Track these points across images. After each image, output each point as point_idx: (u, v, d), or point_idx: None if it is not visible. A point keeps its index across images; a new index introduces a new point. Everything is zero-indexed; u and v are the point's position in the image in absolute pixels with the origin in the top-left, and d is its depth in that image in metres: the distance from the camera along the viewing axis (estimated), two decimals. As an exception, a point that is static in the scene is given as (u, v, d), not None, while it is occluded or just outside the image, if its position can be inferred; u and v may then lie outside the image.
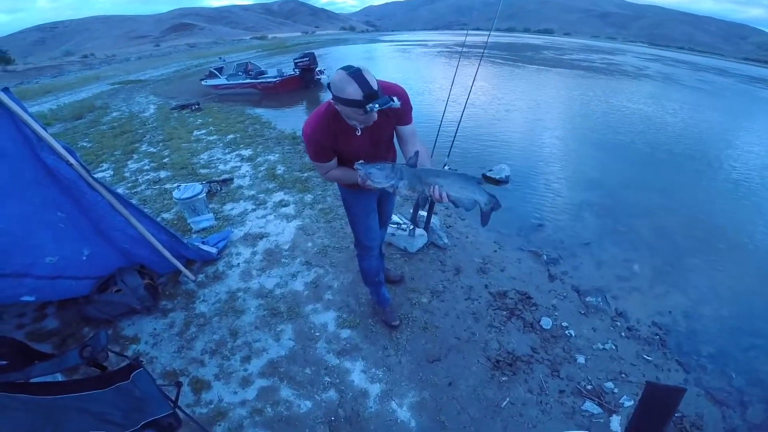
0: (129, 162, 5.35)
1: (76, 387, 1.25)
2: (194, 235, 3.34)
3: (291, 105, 9.91)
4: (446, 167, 2.80)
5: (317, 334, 2.37)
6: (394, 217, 3.11)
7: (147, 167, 5.08)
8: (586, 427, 1.93)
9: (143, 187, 4.44)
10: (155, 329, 2.42)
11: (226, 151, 5.54)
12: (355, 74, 1.25)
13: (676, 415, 2.06)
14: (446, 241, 3.18)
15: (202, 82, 11.96)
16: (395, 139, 1.73)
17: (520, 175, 5.14)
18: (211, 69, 12.26)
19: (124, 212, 2.18)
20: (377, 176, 1.34)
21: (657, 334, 2.62)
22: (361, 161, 1.40)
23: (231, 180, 4.39)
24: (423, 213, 3.08)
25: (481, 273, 2.95)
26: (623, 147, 7.00)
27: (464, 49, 3.72)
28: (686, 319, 2.85)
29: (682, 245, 3.85)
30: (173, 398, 1.50)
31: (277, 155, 5.19)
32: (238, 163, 4.98)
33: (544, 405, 2.01)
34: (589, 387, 2.14)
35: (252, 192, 4.09)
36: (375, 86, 1.26)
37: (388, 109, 1.44)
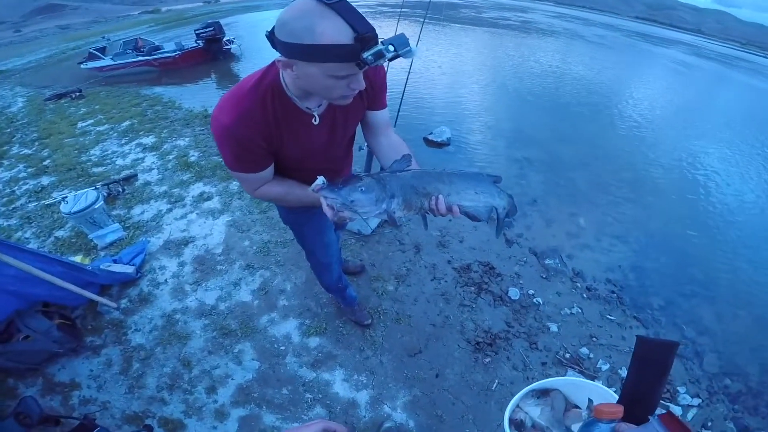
0: None
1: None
2: (102, 254, 2.75)
3: (197, 80, 8.64)
4: None
5: (282, 348, 2.12)
6: None
7: (23, 174, 4.06)
8: None
9: (23, 200, 3.55)
10: (92, 371, 2.02)
11: (123, 141, 4.65)
12: (337, 4, 0.71)
13: None
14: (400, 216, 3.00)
15: (82, 66, 10.03)
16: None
17: (460, 136, 5.13)
18: (91, 50, 10.21)
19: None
20: (363, 203, 0.83)
21: (614, 292, 2.81)
22: (321, 177, 0.88)
23: (134, 176, 3.69)
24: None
25: (441, 247, 2.87)
26: (549, 103, 7.40)
27: (402, 11, 3.48)
28: (635, 273, 3.09)
29: (615, 194, 4.18)
30: None
31: (187, 139, 4.48)
32: (141, 155, 4.20)
33: (531, 380, 2.03)
34: (567, 356, 2.21)
35: (163, 188, 3.48)
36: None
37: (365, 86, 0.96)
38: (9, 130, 5.78)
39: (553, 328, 2.36)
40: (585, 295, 2.68)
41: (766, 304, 3.04)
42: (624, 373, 2.16)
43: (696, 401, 2.12)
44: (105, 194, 3.25)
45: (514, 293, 2.54)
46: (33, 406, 1.17)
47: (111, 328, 2.23)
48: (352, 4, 0.73)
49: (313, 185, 0.87)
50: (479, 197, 0.97)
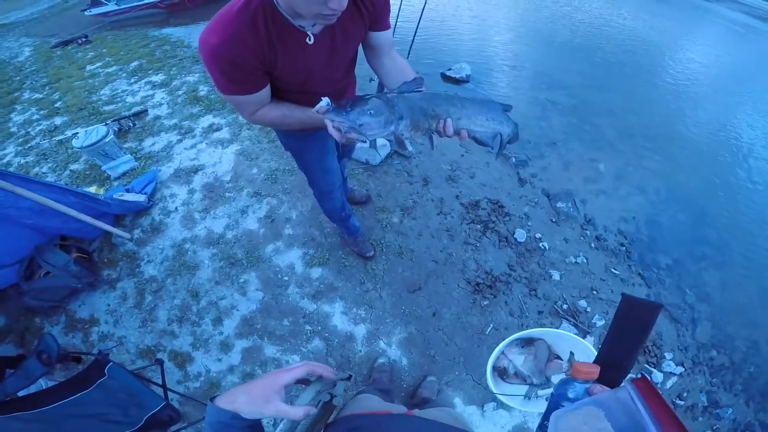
0: (12, 115, 4.36)
1: (62, 392, 1.21)
2: (115, 183, 2.85)
3: (206, 18, 8.33)
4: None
5: (285, 278, 2.20)
6: None
7: (36, 116, 4.15)
8: None
9: (38, 139, 3.67)
10: (109, 305, 2.17)
11: (132, 80, 4.62)
12: None
13: None
14: (411, 148, 2.96)
15: (86, 13, 9.77)
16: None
17: (481, 73, 4.85)
18: None
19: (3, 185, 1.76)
20: (372, 126, 0.82)
21: (623, 244, 2.75)
22: (325, 99, 0.88)
23: (144, 112, 3.72)
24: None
25: (450, 182, 2.83)
26: (583, 49, 6.82)
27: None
28: (648, 227, 3.00)
29: (642, 145, 3.95)
30: (159, 382, 1.50)
31: (197, 75, 4.40)
32: (150, 92, 4.20)
33: (524, 328, 2.06)
34: (564, 306, 2.23)
35: (173, 121, 3.50)
36: None
37: (363, 5, 0.99)
38: (18, 77, 5.84)
39: (556, 276, 2.36)
40: (593, 245, 2.65)
41: None
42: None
43: (679, 369, 2.14)
44: (116, 129, 3.30)
45: (520, 235, 2.52)
46: (52, 344, 1.25)
47: (125, 260, 2.36)
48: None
49: (317, 107, 0.86)
50: (489, 123, 0.97)
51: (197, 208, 2.61)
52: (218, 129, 3.32)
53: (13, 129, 4.09)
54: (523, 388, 1.03)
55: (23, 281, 2.05)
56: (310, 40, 0.96)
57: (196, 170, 2.88)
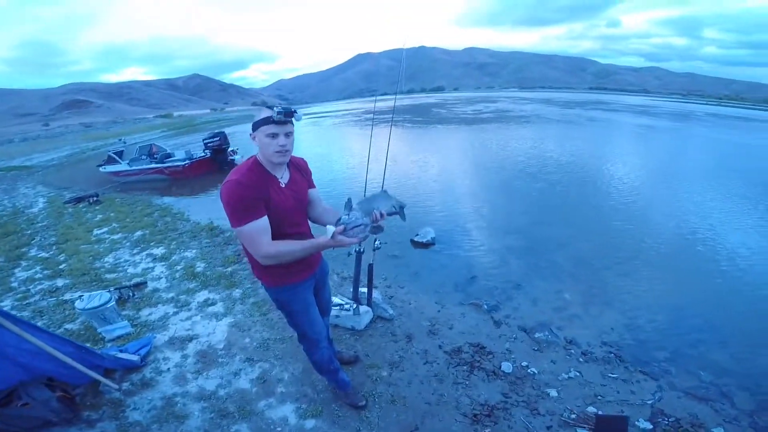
0: (16, 270, 4.58)
1: None
2: (109, 344, 2.91)
3: (204, 191, 9.22)
4: (377, 242, 2.96)
5: (279, 429, 2.16)
6: (335, 299, 3.07)
7: (39, 275, 4.37)
8: None
9: (37, 297, 3.81)
10: None
11: (135, 251, 5.02)
12: (269, 105, 1.43)
13: (670, 419, 2.23)
14: (391, 312, 3.21)
15: (100, 169, 10.84)
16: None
17: (444, 234, 5.48)
18: (110, 153, 11.08)
19: (10, 327, 1.90)
20: (367, 222, 1.42)
21: (611, 352, 2.88)
22: (330, 227, 1.41)
23: (144, 284, 3.96)
24: (363, 290, 3.11)
25: (431, 335, 3.01)
26: (523, 188, 7.99)
27: (374, 116, 4.09)
28: (630, 332, 3.18)
29: (597, 266, 4.42)
30: None
31: (194, 251, 4.83)
32: (151, 264, 4.53)
33: None
34: (573, 416, 2.22)
35: (171, 294, 3.73)
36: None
37: (302, 170, 1.68)
38: (29, 231, 6.24)
39: (553, 393, 2.39)
40: (581, 359, 2.75)
41: None
42: (642, 425, 2.15)
43: None
44: (116, 297, 3.49)
45: (507, 367, 2.62)
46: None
47: (109, 406, 2.32)
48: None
49: (329, 233, 1.37)
50: (388, 203, 1.57)
51: (190, 370, 2.64)
52: (213, 303, 3.54)
53: (14, 284, 4.22)
54: None
55: (-2, 407, 2.00)
56: (281, 183, 1.54)
57: (190, 339, 2.99)
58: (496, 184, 8.42)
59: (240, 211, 1.39)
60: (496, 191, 7.92)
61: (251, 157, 1.52)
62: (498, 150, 12.59)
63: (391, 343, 2.91)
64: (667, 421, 2.22)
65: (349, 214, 1.41)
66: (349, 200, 1.47)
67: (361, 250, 2.95)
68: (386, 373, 2.58)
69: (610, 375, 2.59)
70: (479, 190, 8.07)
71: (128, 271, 4.39)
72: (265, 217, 1.44)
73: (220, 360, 2.74)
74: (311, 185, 1.75)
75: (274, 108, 1.39)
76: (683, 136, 17.12)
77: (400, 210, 1.64)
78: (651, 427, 2.16)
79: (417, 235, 5.20)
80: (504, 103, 39.02)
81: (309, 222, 1.77)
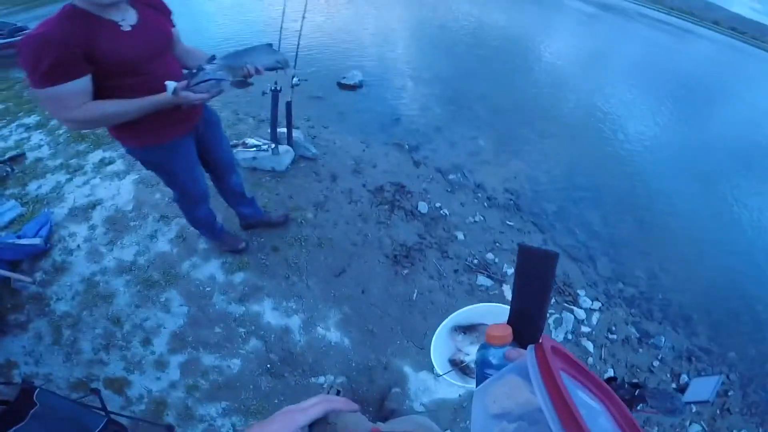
0: None
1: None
2: (2, 233, 2.50)
3: None
4: (295, 78, 2.61)
5: (208, 289, 2.11)
6: (251, 140, 2.78)
7: None
8: (487, 300, 2.18)
9: None
10: (24, 347, 1.90)
11: (0, 124, 4.07)
12: None
13: None
14: (314, 151, 3.02)
15: None
16: None
17: (372, 78, 5.14)
18: None
19: None
20: (222, 77, 1.19)
21: (511, 200, 3.09)
22: (171, 83, 1.14)
23: (22, 155, 3.27)
24: (282, 130, 2.83)
25: (356, 174, 2.95)
26: (451, 44, 7.57)
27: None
28: (529, 183, 3.41)
29: (513, 119, 4.53)
30: (100, 406, 1.38)
31: None
32: (25, 134, 3.67)
33: (447, 288, 2.22)
34: (475, 261, 2.42)
35: (59, 161, 3.12)
36: None
37: (156, 6, 1.28)
38: None
39: (460, 236, 2.55)
40: (486, 204, 2.93)
41: (646, 207, 3.44)
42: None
43: (596, 304, 2.34)
44: (-11, 178, 2.90)
45: (423, 207, 2.71)
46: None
47: (32, 303, 2.08)
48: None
49: (170, 89, 1.13)
50: (270, 57, 1.38)
51: (102, 242, 2.37)
52: (111, 162, 3.04)
53: None
54: None
55: None
56: (122, 26, 1.14)
57: (93, 206, 2.61)
58: (430, 39, 7.86)
59: (41, 73, 1.01)
60: (429, 46, 7.44)
61: (67, 3, 1.07)
62: (439, 9, 11.38)
63: (315, 183, 2.81)
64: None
65: (204, 68, 1.16)
66: (213, 56, 1.23)
67: (278, 88, 2.55)
68: (311, 214, 2.53)
69: (507, 222, 2.78)
70: (413, 42, 7.48)
71: (-3, 146, 3.60)
72: (82, 79, 1.07)
73: (131, 224, 2.47)
74: (172, 23, 1.38)
75: None
76: (623, 31, 16.81)
77: (283, 66, 1.46)
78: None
79: (344, 78, 4.84)
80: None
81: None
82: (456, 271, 2.34)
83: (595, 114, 5.47)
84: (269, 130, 2.83)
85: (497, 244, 2.58)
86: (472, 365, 0.87)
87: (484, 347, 0.50)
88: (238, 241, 2.21)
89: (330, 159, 3.08)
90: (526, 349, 0.40)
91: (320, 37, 6.53)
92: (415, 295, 2.17)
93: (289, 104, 2.71)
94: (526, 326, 0.51)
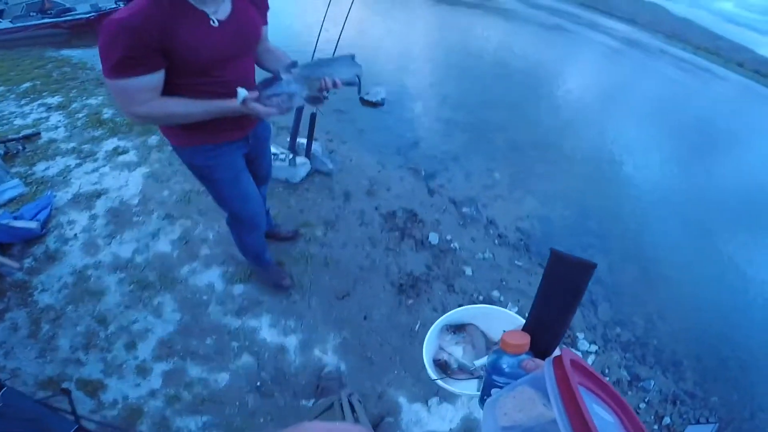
0: None
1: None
2: (0, 211, 2.43)
3: None
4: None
5: (205, 297, 2.00)
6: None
7: None
8: None
9: None
10: None
11: (23, 102, 3.95)
12: None
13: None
14: (331, 166, 2.94)
15: None
16: None
17: (395, 97, 5.14)
18: None
19: None
20: (296, 91, 1.08)
21: (521, 240, 3.00)
22: (242, 90, 1.03)
23: (37, 134, 3.22)
24: (302, 140, 2.76)
25: (369, 195, 2.87)
26: (477, 71, 7.60)
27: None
28: (540, 223, 3.32)
29: (530, 155, 4.46)
30: (69, 410, 1.28)
31: (100, 98, 3.90)
32: (44, 114, 3.62)
33: None
34: (480, 298, 2.34)
35: (72, 144, 3.06)
36: None
37: (256, 3, 1.17)
38: None
39: (468, 271, 2.46)
40: (496, 242, 2.84)
41: (651, 259, 3.37)
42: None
43: (594, 348, 2.28)
44: (1, 152, 2.82)
45: (433, 238, 2.63)
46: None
47: (14, 290, 1.95)
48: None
49: (240, 98, 1.03)
50: (349, 70, 1.26)
51: (100, 234, 2.27)
52: (124, 152, 2.97)
53: None
54: (473, 383, 0.87)
55: None
56: (212, 21, 1.02)
57: (98, 195, 2.53)
58: (457, 64, 7.88)
59: (112, 63, 0.92)
60: (456, 70, 7.45)
61: None
62: (469, 34, 11.59)
63: (328, 200, 2.73)
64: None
65: (281, 78, 1.05)
66: (294, 62, 1.11)
67: None
68: (321, 232, 2.45)
69: (516, 262, 2.70)
70: (439, 65, 7.54)
71: (15, 123, 3.54)
72: (154, 75, 0.98)
73: (135, 219, 2.37)
74: (266, 19, 1.26)
75: None
76: (643, 67, 16.99)
77: (359, 81, 1.33)
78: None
79: (368, 93, 4.82)
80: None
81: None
82: (460, 305, 2.24)
83: (613, 157, 5.40)
84: (288, 139, 2.77)
85: (503, 283, 2.50)
86: (454, 366, 0.88)
87: (497, 353, 0.48)
88: (283, 277, 2.06)
89: (345, 176, 3.01)
90: (539, 357, 0.39)
91: (350, 50, 6.59)
92: (417, 326, 2.08)
93: (313, 116, 2.65)
94: (543, 334, 0.48)
